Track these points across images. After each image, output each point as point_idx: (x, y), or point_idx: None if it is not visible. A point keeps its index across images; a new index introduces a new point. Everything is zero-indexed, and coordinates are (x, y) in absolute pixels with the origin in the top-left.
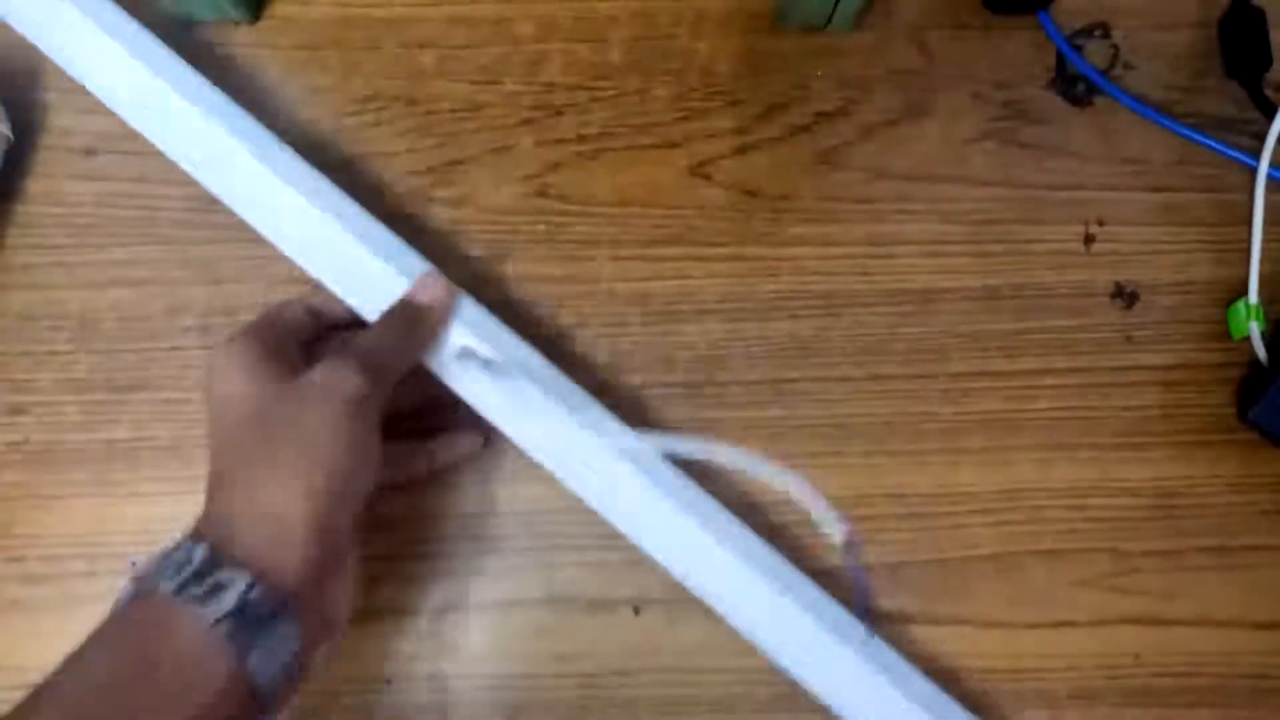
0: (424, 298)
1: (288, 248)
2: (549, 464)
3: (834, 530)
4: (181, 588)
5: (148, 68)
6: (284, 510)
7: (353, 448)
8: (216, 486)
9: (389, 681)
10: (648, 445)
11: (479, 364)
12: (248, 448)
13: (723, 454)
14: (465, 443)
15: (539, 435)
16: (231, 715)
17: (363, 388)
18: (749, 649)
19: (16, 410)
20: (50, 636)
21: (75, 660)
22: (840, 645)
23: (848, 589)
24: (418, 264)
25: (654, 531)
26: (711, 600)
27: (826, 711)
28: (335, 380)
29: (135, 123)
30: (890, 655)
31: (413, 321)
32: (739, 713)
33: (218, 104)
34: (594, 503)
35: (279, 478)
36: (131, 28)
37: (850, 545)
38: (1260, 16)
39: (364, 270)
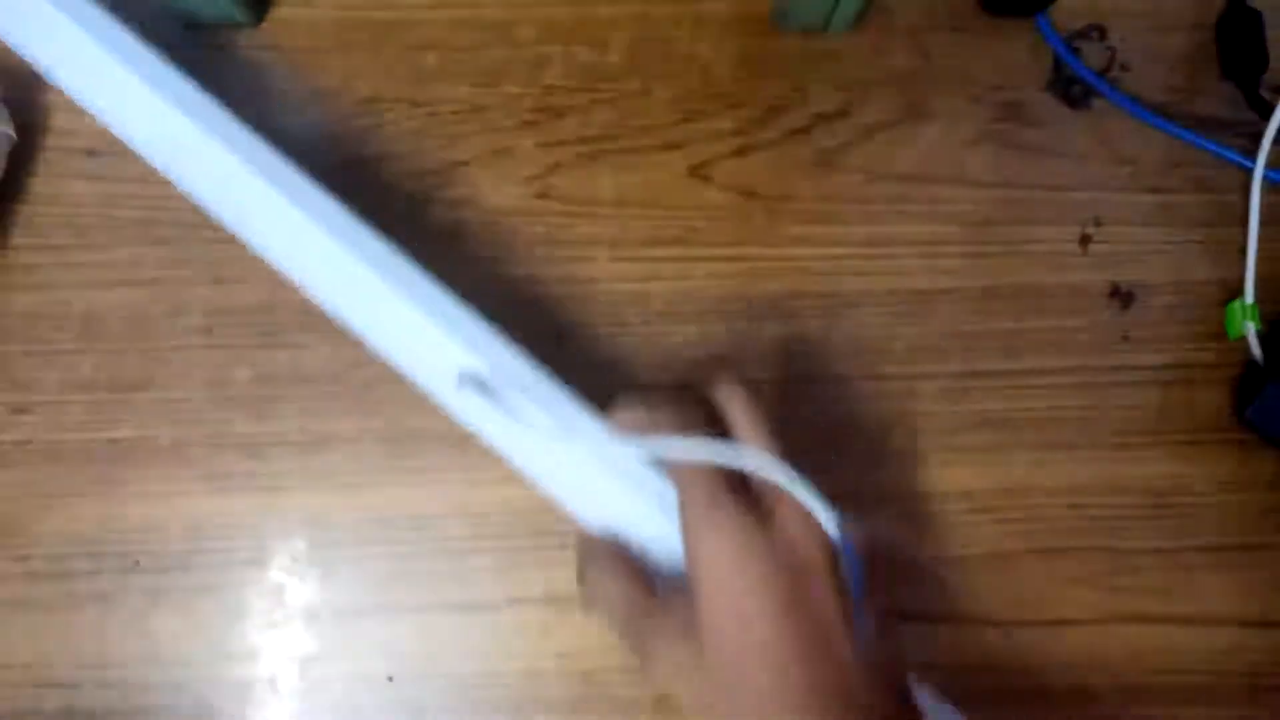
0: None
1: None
2: (550, 487)
3: (830, 519)
4: None
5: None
6: None
7: None
8: None
9: (391, 679)
10: (642, 449)
11: (478, 388)
12: None
13: (718, 453)
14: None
15: (540, 460)
16: None
17: None
18: None
19: (20, 409)
20: (54, 635)
21: None
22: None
23: None
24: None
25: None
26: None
27: None
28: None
29: (123, 129)
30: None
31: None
32: None
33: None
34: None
35: None
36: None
37: (842, 528)
38: (1256, 18)
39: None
